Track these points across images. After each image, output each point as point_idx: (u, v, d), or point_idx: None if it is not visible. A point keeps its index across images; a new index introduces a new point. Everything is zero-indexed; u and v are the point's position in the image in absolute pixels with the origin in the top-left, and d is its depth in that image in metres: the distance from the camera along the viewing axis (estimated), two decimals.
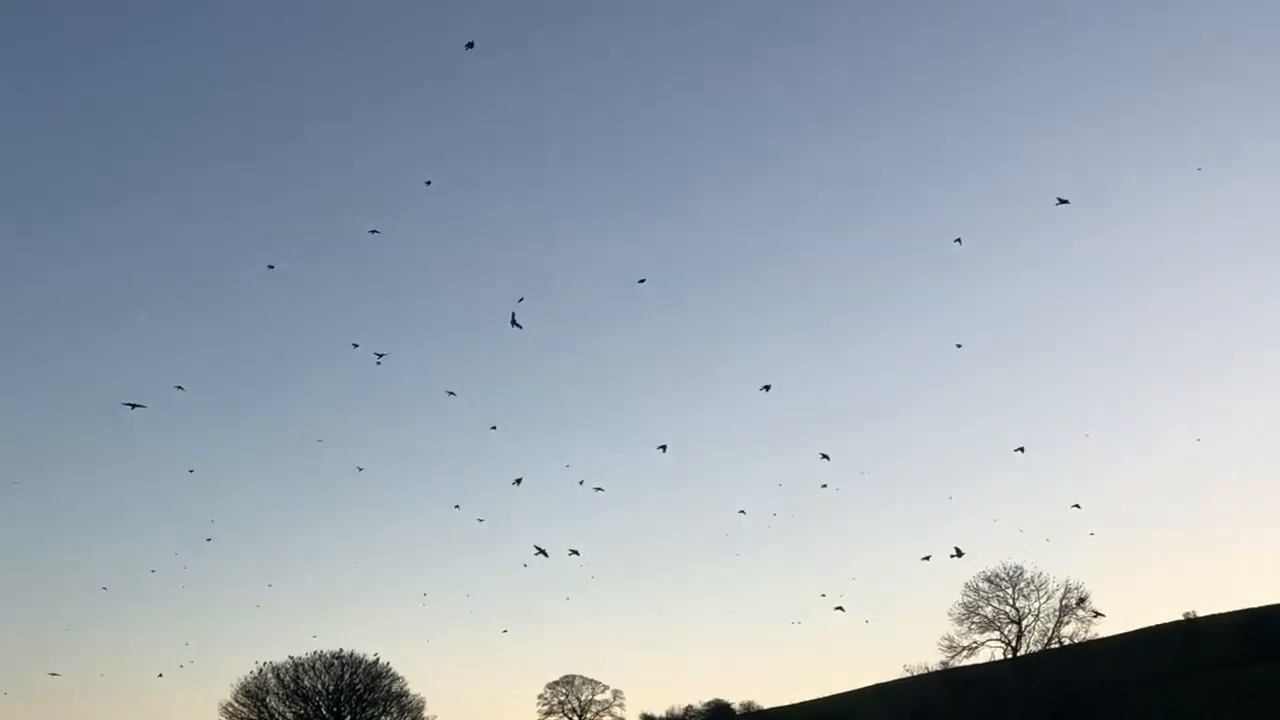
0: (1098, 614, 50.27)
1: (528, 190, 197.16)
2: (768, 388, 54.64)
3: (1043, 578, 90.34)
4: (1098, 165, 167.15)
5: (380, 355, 61.69)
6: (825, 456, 56.02)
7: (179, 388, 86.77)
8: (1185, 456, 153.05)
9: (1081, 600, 48.41)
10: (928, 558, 56.40)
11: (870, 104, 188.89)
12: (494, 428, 73.74)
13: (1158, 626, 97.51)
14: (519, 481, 66.75)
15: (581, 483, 70.52)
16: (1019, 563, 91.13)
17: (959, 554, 53.51)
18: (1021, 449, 56.67)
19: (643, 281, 68.57)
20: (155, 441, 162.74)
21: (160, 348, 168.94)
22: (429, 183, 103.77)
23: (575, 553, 55.97)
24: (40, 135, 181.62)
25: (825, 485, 70.40)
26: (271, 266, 76.42)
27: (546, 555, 54.41)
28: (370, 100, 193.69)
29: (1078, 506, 64.81)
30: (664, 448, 71.30)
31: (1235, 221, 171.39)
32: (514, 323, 52.31)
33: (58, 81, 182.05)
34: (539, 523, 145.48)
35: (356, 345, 64.43)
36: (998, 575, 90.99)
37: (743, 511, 77.69)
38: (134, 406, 53.96)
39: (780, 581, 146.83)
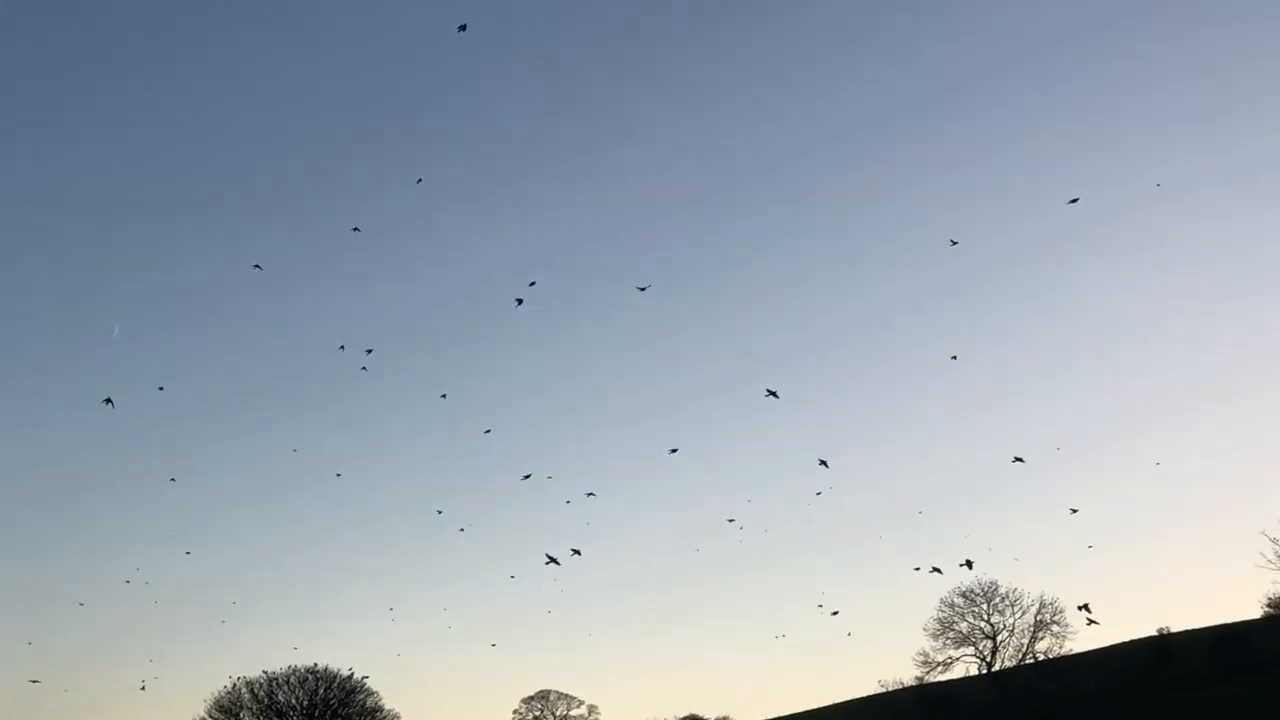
0: (1092, 621, 49.91)
1: (524, 188, 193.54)
2: (773, 394, 53.69)
3: (1017, 593, 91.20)
4: (1099, 172, 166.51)
5: (368, 351, 60.90)
6: (823, 463, 54.97)
7: (160, 389, 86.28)
8: (1156, 473, 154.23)
9: (1084, 606, 48.23)
10: (938, 570, 55.34)
11: (871, 108, 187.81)
12: (488, 431, 72.18)
13: (1131, 642, 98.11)
14: (528, 478, 65.79)
15: (569, 502, 69.70)
16: (994, 578, 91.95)
17: (969, 565, 52.94)
18: (1020, 459, 56.10)
19: (644, 289, 67.29)
20: (134, 447, 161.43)
21: (139, 350, 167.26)
22: (420, 180, 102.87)
23: (577, 553, 54.80)
24: (24, 133, 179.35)
25: (819, 493, 69.95)
26: (258, 266, 75.61)
27: (559, 564, 53.17)
28: (358, 93, 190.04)
29: (1075, 510, 64.77)
30: (675, 451, 70.51)
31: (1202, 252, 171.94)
32: (519, 301, 51.37)
33: (39, 82, 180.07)
34: (519, 534, 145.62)
35: (343, 347, 63.61)
36: (972, 591, 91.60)
37: (731, 520, 77.11)
38: (108, 402, 53.57)
39: (759, 596, 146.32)
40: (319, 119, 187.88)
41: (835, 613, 72.99)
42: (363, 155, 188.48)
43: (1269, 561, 65.58)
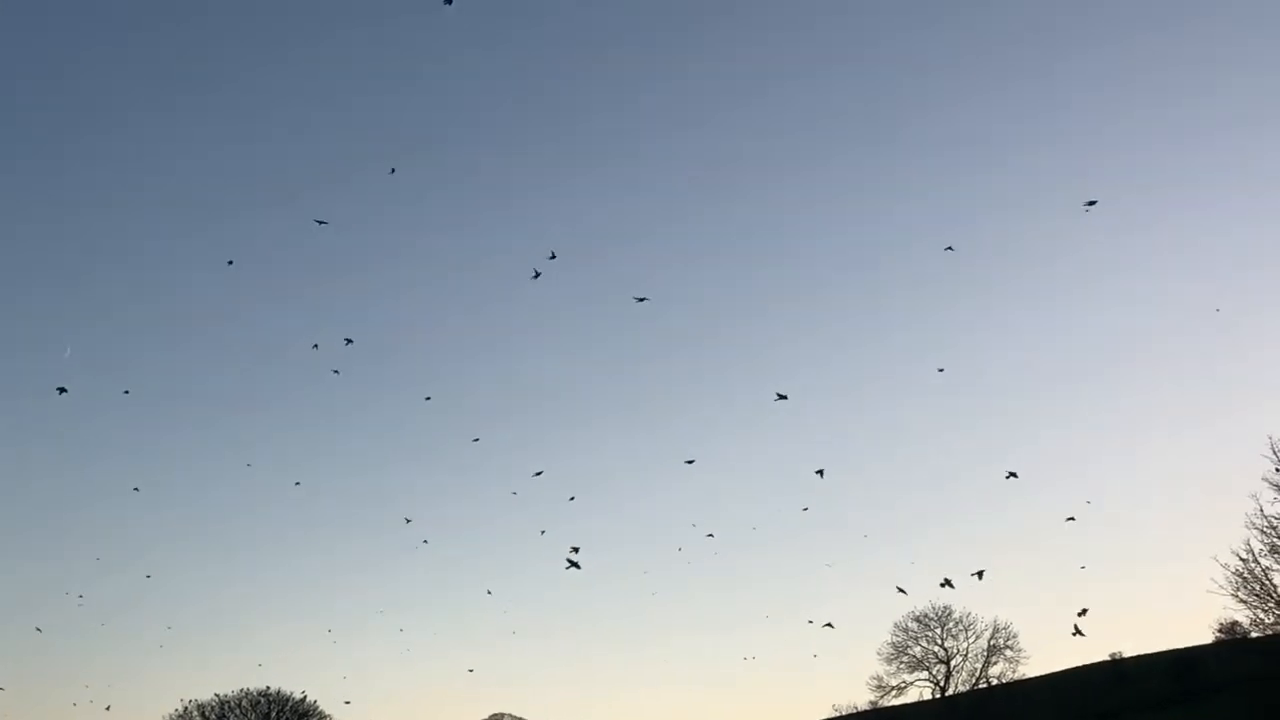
0: (1078, 631, 49.28)
1: (523, 184, 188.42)
2: (783, 396, 52.03)
3: (971, 618, 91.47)
4: (1099, 177, 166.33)
5: (348, 341, 58.73)
6: (819, 472, 53.12)
7: (126, 392, 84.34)
8: (1111, 496, 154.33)
9: (1084, 611, 47.73)
10: (948, 582, 53.89)
11: (872, 114, 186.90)
12: (476, 440, 68.42)
13: (1085, 667, 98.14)
14: (540, 474, 64.09)
15: (543, 532, 67.92)
16: (947, 603, 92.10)
17: (980, 575, 51.79)
18: (1014, 474, 55.14)
19: (643, 300, 64.32)
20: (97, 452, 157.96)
21: (106, 349, 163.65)
22: (393, 170, 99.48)
23: (576, 550, 53.01)
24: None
25: (806, 509, 68.30)
26: (230, 262, 72.23)
27: (580, 567, 51.15)
28: (352, 88, 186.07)
29: (1072, 519, 63.88)
30: (691, 462, 68.58)
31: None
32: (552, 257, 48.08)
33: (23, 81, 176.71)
34: (491, 547, 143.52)
35: (316, 346, 61.55)
36: (926, 615, 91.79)
37: (711, 535, 75.14)
38: (62, 391, 52.58)
39: (732, 614, 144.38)
40: (312, 114, 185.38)
41: (828, 624, 71.99)
42: (358, 152, 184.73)
43: (1220, 587, 65.58)
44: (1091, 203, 52.83)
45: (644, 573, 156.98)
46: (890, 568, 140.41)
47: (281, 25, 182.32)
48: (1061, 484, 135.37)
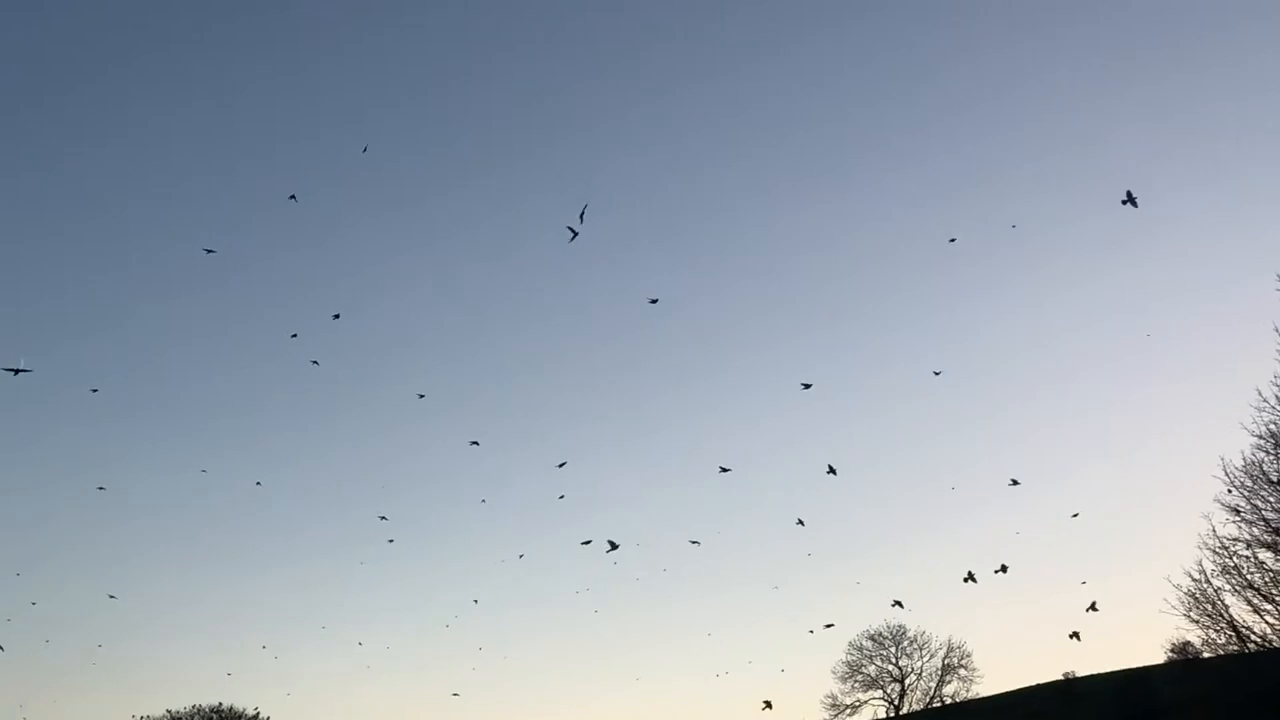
0: (1074, 635, 48.87)
1: (526, 174, 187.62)
2: (808, 386, 51.02)
3: (925, 636, 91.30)
4: (1100, 178, 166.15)
5: (335, 317, 57.34)
6: (831, 470, 51.92)
7: (93, 390, 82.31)
8: (1070, 515, 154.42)
9: (1092, 607, 47.17)
10: (971, 576, 52.90)
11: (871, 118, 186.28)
12: (475, 443, 64.90)
13: (1036, 686, 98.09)
14: (563, 465, 62.87)
15: (521, 555, 66.67)
16: (901, 621, 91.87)
17: (1004, 569, 51.17)
18: (1016, 481, 54.51)
19: (655, 301, 62.44)
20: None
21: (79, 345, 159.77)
22: (366, 149, 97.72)
23: (587, 543, 52.51)
24: None
25: (801, 521, 66.77)
26: (211, 251, 69.34)
27: (616, 546, 50.51)
28: (328, 75, 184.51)
29: (1076, 515, 63.05)
30: (727, 470, 67.03)
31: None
32: (581, 217, 45.41)
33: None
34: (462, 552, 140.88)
35: (295, 335, 60.09)
36: (880, 634, 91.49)
37: (696, 543, 73.60)
38: (16, 372, 50.29)
39: (710, 626, 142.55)
40: (308, 110, 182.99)
41: (829, 625, 71.12)
42: (354, 150, 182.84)
43: (1172, 608, 65.51)
44: (1131, 199, 44.72)
45: (585, 590, 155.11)
46: (883, 572, 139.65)
47: (279, 22, 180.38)
48: (1059, 487, 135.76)
